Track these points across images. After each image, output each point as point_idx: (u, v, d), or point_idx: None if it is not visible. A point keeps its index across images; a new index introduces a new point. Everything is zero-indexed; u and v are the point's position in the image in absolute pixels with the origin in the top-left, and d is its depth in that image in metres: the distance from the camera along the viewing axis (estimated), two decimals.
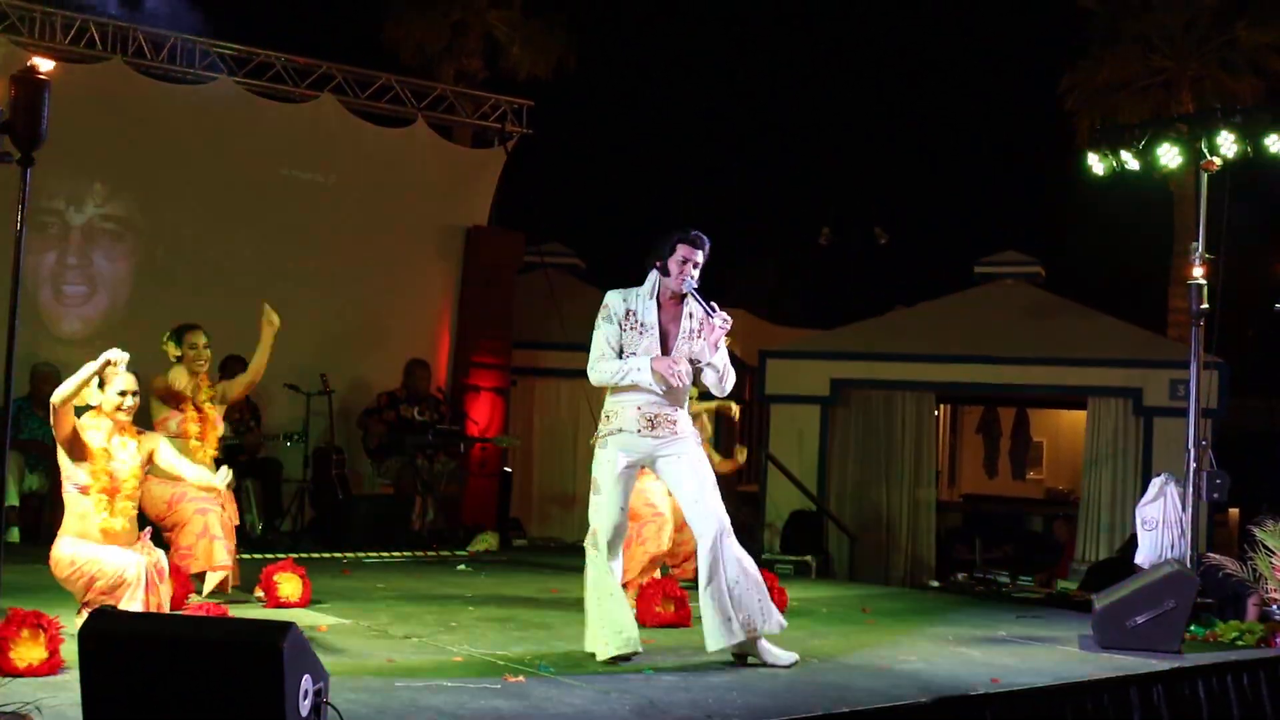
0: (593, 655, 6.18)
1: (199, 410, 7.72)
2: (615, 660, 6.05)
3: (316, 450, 12.00)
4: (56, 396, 6.03)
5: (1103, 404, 13.45)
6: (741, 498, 14.36)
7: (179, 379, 7.72)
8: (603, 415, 6.34)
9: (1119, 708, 6.12)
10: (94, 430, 6.24)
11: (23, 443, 10.34)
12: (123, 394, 6.30)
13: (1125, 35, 17.96)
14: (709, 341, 6.25)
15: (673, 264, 6.23)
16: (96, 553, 6.06)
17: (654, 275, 6.31)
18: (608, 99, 22.52)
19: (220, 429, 7.83)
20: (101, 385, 6.29)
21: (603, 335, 6.27)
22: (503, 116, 14.16)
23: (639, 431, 6.22)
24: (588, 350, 6.58)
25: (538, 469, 14.29)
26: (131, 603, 5.88)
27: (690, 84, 24.66)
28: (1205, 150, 9.20)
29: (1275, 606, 7.59)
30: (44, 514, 10.23)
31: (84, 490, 6.15)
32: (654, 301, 6.29)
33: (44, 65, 4.55)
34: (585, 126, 21.79)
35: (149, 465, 6.54)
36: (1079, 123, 17.76)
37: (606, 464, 6.27)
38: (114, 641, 4.19)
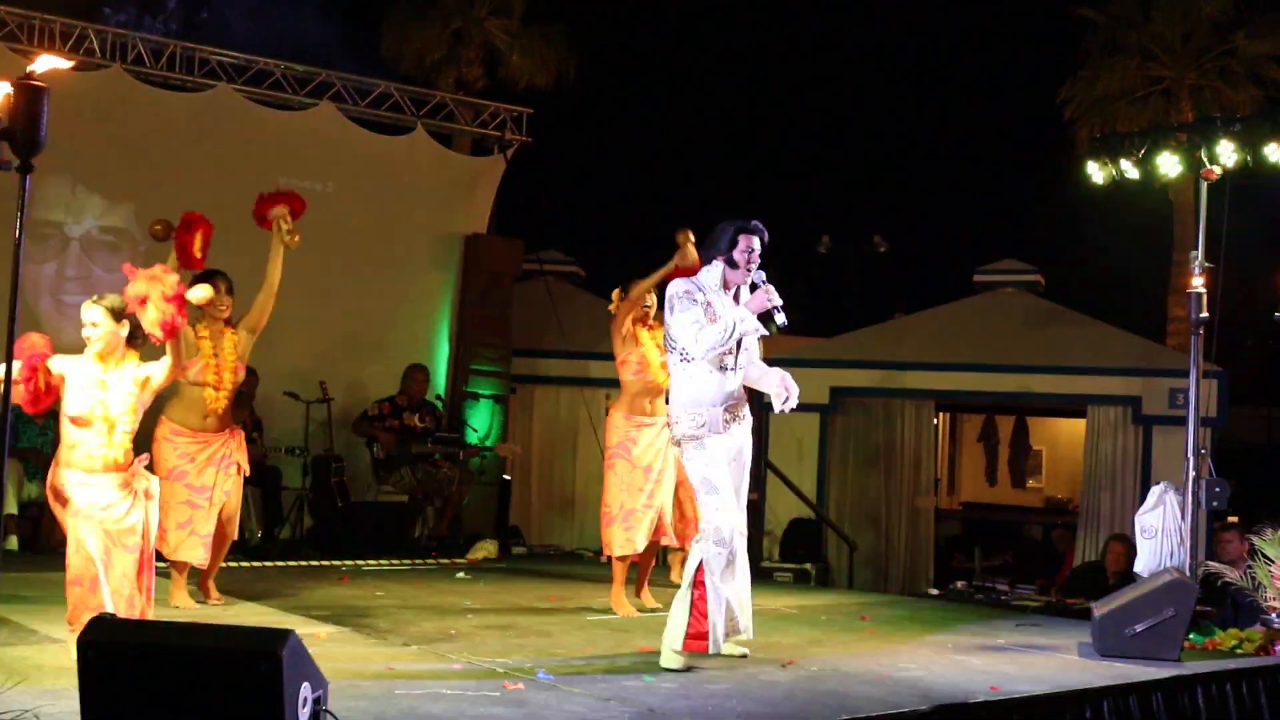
0: (661, 663, 6.18)
1: (217, 358, 7.72)
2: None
3: (316, 458, 11.98)
4: None
5: (1102, 412, 13.45)
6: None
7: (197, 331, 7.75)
8: (686, 414, 6.28)
9: (1118, 715, 6.12)
10: (84, 366, 6.07)
11: (21, 451, 10.34)
12: (82, 325, 6.10)
13: (1125, 45, 18.02)
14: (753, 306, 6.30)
15: (739, 255, 6.28)
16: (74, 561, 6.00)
17: (717, 268, 6.32)
18: (606, 107, 22.56)
19: (240, 376, 7.84)
20: None
21: (693, 314, 6.20)
22: (502, 124, 14.17)
23: (725, 426, 6.27)
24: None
25: (537, 477, 14.28)
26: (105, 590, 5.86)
27: (688, 92, 24.72)
28: (1205, 159, 9.20)
29: (1275, 615, 7.58)
30: (43, 523, 10.22)
31: (77, 422, 6.00)
32: (722, 293, 6.33)
33: (41, 66, 4.54)
34: (584, 134, 21.83)
35: (147, 393, 6.28)
36: (1078, 132, 17.82)
37: (714, 465, 6.24)
38: (113, 650, 4.19)
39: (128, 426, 6.11)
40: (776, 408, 6.39)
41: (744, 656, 6.48)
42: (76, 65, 11.44)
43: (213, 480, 7.64)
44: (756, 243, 6.30)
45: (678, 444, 6.38)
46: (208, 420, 7.69)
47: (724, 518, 6.19)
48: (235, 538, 8.02)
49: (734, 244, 6.29)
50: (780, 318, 6.26)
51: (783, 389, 6.40)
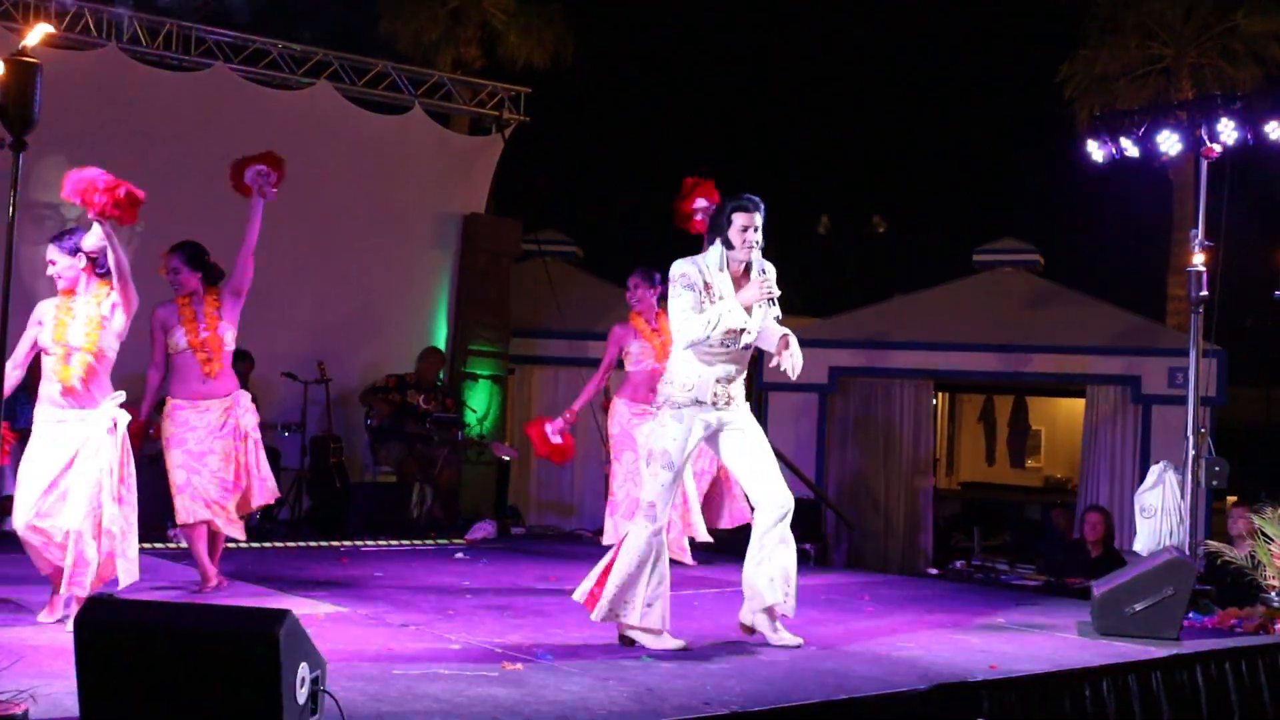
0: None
1: (199, 322, 7.58)
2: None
3: (314, 439, 11.99)
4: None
5: (1101, 392, 13.45)
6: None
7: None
8: (675, 383, 6.17)
9: (1117, 695, 6.11)
10: (56, 302, 6.57)
11: (19, 432, 10.31)
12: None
13: (1125, 24, 17.97)
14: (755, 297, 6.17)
15: (734, 235, 6.15)
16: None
17: (718, 249, 6.19)
18: (605, 86, 22.49)
19: (226, 337, 7.64)
20: None
21: (687, 300, 6.09)
22: (500, 104, 14.13)
23: (714, 404, 6.16)
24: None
25: (536, 458, 14.26)
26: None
27: (686, 71, 24.65)
28: (1205, 137, 9.18)
29: (1274, 593, 7.57)
30: None
31: (44, 351, 6.48)
32: (726, 274, 6.19)
33: (32, 40, 4.51)
34: (582, 114, 21.78)
35: (119, 322, 6.60)
36: (1078, 110, 17.79)
37: (681, 439, 6.14)
38: (110, 630, 4.18)
39: (88, 354, 6.44)
40: (772, 363, 6.28)
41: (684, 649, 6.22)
42: (72, 45, 11.41)
43: (210, 447, 7.46)
44: (757, 219, 6.16)
45: (658, 408, 6.26)
46: (207, 384, 7.53)
47: (663, 496, 6.14)
48: (255, 505, 7.76)
49: (729, 223, 6.18)
50: (774, 311, 6.18)
51: (781, 347, 6.23)
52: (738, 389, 6.28)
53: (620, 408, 8.37)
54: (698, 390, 6.14)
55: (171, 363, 7.59)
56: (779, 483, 6.36)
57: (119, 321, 6.50)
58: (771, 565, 6.38)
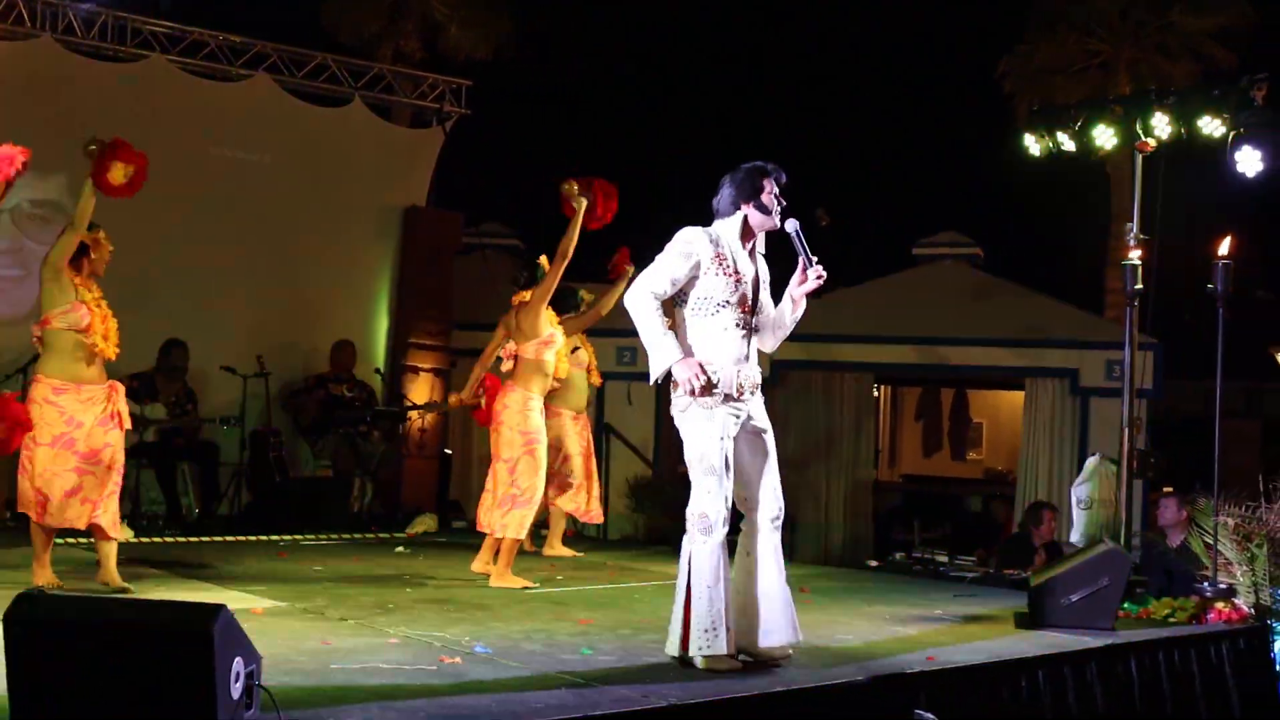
0: (678, 658, 5.63)
1: (100, 307, 7.36)
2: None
3: (253, 433, 11.90)
4: None
5: (1040, 384, 13.55)
6: (683, 481, 14.31)
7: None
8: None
9: (1053, 685, 6.16)
10: None
11: None
12: None
13: (1065, 19, 18.13)
14: (797, 294, 5.91)
15: (766, 199, 5.76)
16: None
17: (735, 219, 5.78)
18: (547, 79, 22.44)
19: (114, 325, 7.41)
20: None
21: (669, 269, 5.63)
22: (441, 96, 14.07)
23: (739, 396, 5.71)
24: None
25: (477, 451, 14.20)
26: None
27: (629, 65, 24.62)
28: (1140, 131, 9.25)
29: (1206, 584, 7.66)
30: None
31: None
32: (740, 246, 5.80)
33: None
34: (524, 107, 21.71)
35: None
36: (1017, 105, 17.92)
37: (718, 441, 5.63)
38: (40, 626, 4.12)
39: None
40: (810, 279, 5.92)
41: (785, 659, 5.83)
42: (4, 35, 11.25)
43: (102, 441, 7.20)
44: (776, 188, 5.80)
45: (683, 410, 5.71)
46: (92, 369, 7.25)
47: (714, 504, 5.67)
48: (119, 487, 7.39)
49: (759, 189, 5.76)
50: (814, 270, 5.86)
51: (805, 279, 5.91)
52: (756, 372, 5.85)
53: (534, 403, 8.41)
54: (723, 385, 5.65)
55: (53, 342, 7.27)
56: (779, 495, 5.96)
57: None
58: (786, 592, 5.93)
